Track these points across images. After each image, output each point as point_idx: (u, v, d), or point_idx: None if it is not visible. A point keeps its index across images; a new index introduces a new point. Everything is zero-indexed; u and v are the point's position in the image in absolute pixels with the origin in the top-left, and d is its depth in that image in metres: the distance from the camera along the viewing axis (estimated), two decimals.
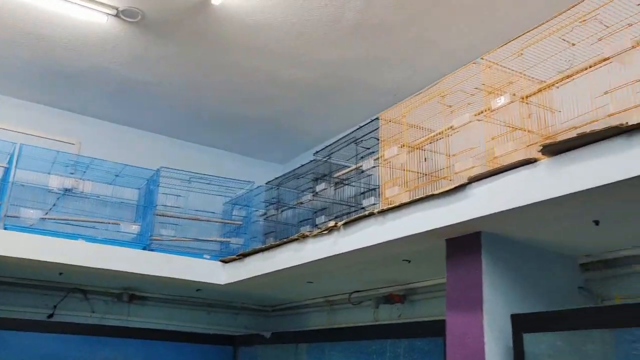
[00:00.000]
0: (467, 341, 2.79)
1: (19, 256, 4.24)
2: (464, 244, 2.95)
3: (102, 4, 4.00)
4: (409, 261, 3.73)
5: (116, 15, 4.12)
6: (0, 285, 5.17)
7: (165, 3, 3.99)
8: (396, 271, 4.13)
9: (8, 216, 4.69)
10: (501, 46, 2.91)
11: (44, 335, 5.31)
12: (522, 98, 2.90)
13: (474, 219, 2.69)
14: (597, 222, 2.64)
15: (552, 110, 2.96)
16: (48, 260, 4.34)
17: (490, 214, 2.61)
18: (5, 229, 4.50)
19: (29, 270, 4.87)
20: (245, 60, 4.69)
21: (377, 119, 3.88)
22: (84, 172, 5.25)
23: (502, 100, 2.86)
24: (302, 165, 4.91)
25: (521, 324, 2.71)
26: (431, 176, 3.46)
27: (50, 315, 5.40)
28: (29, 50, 4.68)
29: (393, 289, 4.67)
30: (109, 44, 4.54)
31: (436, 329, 3.29)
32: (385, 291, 4.74)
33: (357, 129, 4.16)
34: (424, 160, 3.59)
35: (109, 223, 5.11)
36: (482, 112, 3.01)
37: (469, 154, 3.07)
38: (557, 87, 2.88)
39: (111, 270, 4.57)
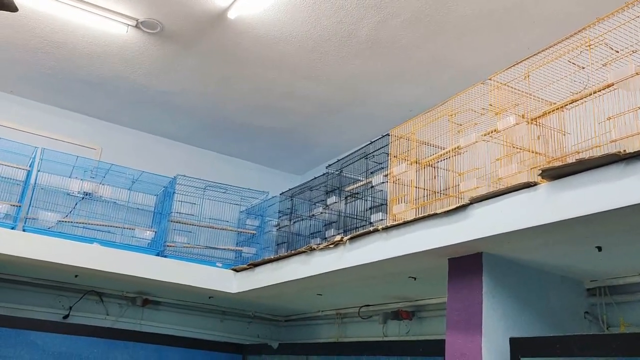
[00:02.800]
0: None
1: (36, 258, 4.35)
2: (465, 264, 2.93)
3: (122, 15, 4.11)
4: (415, 278, 3.72)
5: (136, 27, 4.23)
6: (18, 285, 5.31)
7: (183, 16, 4.08)
8: (403, 287, 4.12)
9: (28, 218, 4.82)
10: (509, 67, 2.90)
11: (59, 335, 5.44)
12: (530, 120, 2.88)
13: (475, 239, 2.68)
14: (599, 248, 2.60)
15: (563, 133, 2.94)
16: (64, 263, 4.44)
17: (491, 236, 2.59)
18: (24, 230, 4.62)
19: (46, 272, 4.99)
20: (262, 72, 4.76)
21: (388, 134, 3.89)
22: (104, 177, 5.36)
23: (508, 121, 2.85)
24: (315, 178, 4.94)
25: (520, 348, 2.68)
26: (440, 194, 3.45)
27: (66, 316, 5.52)
28: (53, 57, 4.83)
29: (402, 305, 4.66)
30: (129, 54, 4.65)
31: (437, 348, 3.27)
32: (395, 307, 4.73)
33: (369, 144, 4.17)
34: (433, 177, 3.59)
35: (124, 228, 5.20)
36: (488, 133, 3.00)
37: (475, 173, 3.06)
38: (567, 110, 2.86)
39: (124, 274, 4.65)
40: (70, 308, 5.53)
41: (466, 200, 2.72)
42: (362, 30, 4.05)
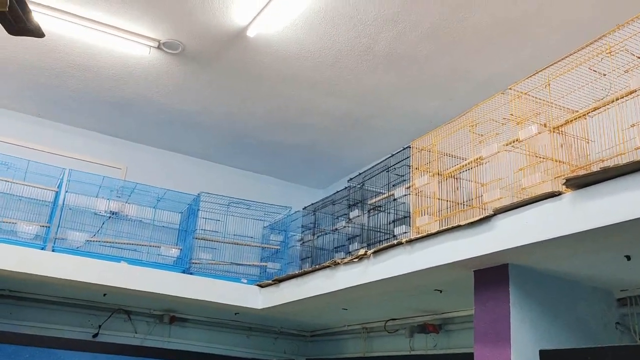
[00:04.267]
0: None
1: (65, 277, 4.42)
2: (491, 276, 2.90)
3: (145, 37, 4.20)
4: (441, 291, 3.69)
5: (158, 48, 4.32)
6: (48, 304, 5.39)
7: (203, 35, 4.15)
8: (429, 300, 4.09)
9: (57, 238, 4.91)
10: (529, 76, 2.88)
11: (88, 354, 5.51)
12: (552, 128, 2.86)
13: (500, 251, 2.66)
14: (628, 257, 2.56)
15: (586, 141, 2.90)
16: (92, 282, 4.50)
17: (516, 247, 2.57)
18: (54, 251, 4.71)
19: (75, 291, 5.07)
20: (281, 88, 4.81)
21: (409, 146, 3.89)
22: (129, 196, 5.45)
23: (530, 131, 2.83)
24: (337, 192, 4.95)
25: None
26: (463, 205, 3.43)
27: (96, 335, 5.58)
28: (78, 80, 4.95)
29: (429, 318, 4.61)
30: (152, 74, 4.75)
31: None
32: (421, 320, 4.69)
33: (390, 156, 4.17)
34: (456, 189, 3.57)
35: (151, 246, 5.27)
36: (510, 143, 2.98)
37: (498, 184, 3.04)
38: (589, 118, 2.83)
39: (152, 292, 4.69)
40: (100, 326, 5.59)
41: (490, 211, 2.70)
42: (380, 44, 4.07)
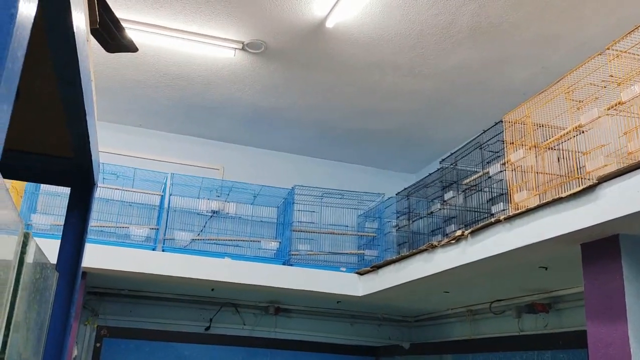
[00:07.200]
0: (611, 353, 2.59)
1: (176, 275, 4.70)
2: (600, 249, 2.74)
3: (229, 40, 4.35)
4: (546, 268, 3.54)
5: (242, 49, 4.45)
6: (163, 301, 5.76)
7: (284, 32, 4.23)
8: (535, 279, 3.93)
9: (165, 239, 5.22)
10: (629, 33, 2.68)
11: (203, 346, 5.85)
12: None
13: (608, 221, 2.51)
14: None
15: None
16: (200, 278, 4.75)
17: (627, 215, 2.41)
18: (164, 251, 5.01)
19: (186, 287, 5.37)
20: (365, 76, 4.79)
21: (501, 121, 3.75)
22: (228, 194, 5.67)
23: (634, 91, 2.64)
24: (430, 174, 4.86)
25: None
26: (564, 177, 3.26)
27: (207, 328, 5.89)
28: (172, 89, 5.21)
29: (537, 298, 4.44)
30: (239, 76, 4.90)
31: (579, 340, 3.09)
32: (528, 300, 4.52)
33: (482, 133, 4.05)
34: (556, 160, 3.40)
35: (251, 241, 5.46)
36: (612, 106, 2.79)
37: (601, 151, 2.86)
38: None
39: (255, 285, 4.88)
40: (211, 320, 5.89)
41: (594, 180, 2.55)
42: (462, 18, 3.94)
